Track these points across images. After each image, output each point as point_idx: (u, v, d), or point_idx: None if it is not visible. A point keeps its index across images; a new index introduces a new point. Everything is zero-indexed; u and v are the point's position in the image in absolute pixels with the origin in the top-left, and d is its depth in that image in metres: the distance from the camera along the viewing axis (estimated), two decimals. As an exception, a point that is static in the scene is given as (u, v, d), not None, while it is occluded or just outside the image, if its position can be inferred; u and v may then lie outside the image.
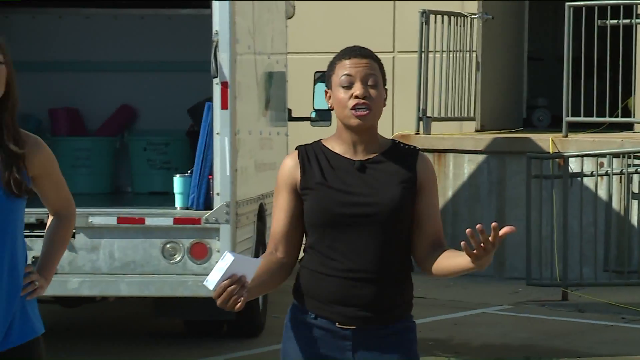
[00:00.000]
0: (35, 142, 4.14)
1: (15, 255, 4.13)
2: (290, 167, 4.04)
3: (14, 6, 11.41)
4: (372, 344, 4.03)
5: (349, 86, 3.96)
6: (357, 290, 3.98)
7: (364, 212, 3.96)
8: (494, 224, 3.65)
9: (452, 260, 3.95)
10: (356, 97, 3.94)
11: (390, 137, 4.16)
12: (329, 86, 4.05)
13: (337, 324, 4.02)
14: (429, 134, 13.61)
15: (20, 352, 4.17)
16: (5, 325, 4.12)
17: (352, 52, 4.04)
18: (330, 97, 4.03)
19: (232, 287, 3.75)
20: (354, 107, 3.93)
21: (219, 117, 8.35)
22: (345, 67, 3.98)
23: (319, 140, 4.11)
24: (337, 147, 4.06)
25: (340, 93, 3.97)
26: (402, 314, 4.07)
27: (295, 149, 4.10)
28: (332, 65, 4.05)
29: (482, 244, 3.66)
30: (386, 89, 4.05)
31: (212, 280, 3.78)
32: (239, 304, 3.79)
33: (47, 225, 4.38)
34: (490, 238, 3.66)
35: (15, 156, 4.06)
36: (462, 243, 3.72)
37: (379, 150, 4.06)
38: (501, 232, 3.67)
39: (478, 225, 3.66)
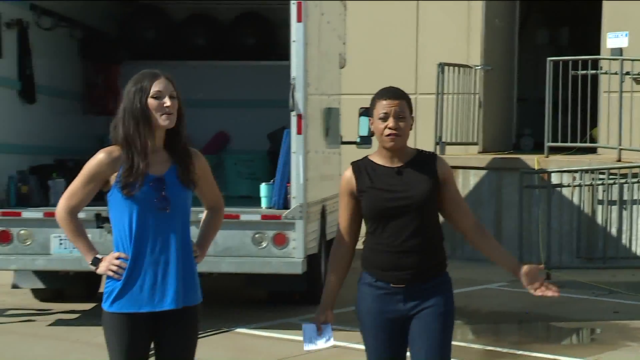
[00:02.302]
0: (196, 153, 4.28)
1: (187, 232, 4.19)
2: (348, 177, 4.28)
3: (139, 59, 11.50)
4: (417, 296, 4.22)
5: (384, 119, 4.17)
6: (403, 259, 4.18)
7: (403, 203, 4.16)
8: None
9: (501, 258, 4.29)
10: (390, 128, 4.16)
11: (416, 148, 4.34)
12: (371, 115, 4.25)
13: (391, 284, 4.22)
14: (444, 154, 13.52)
15: (194, 311, 4.20)
16: (188, 284, 4.15)
17: (388, 94, 4.22)
18: (372, 124, 4.22)
19: None
20: (387, 135, 4.15)
21: (295, 140, 8.35)
22: (383, 106, 4.19)
23: (366, 156, 4.32)
24: (379, 160, 4.26)
25: (379, 124, 4.19)
26: (438, 272, 4.28)
27: (351, 164, 4.33)
28: (374, 101, 4.25)
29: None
30: (413, 117, 4.26)
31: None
32: None
33: (203, 216, 4.45)
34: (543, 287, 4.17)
35: (187, 160, 4.18)
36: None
37: (408, 158, 4.25)
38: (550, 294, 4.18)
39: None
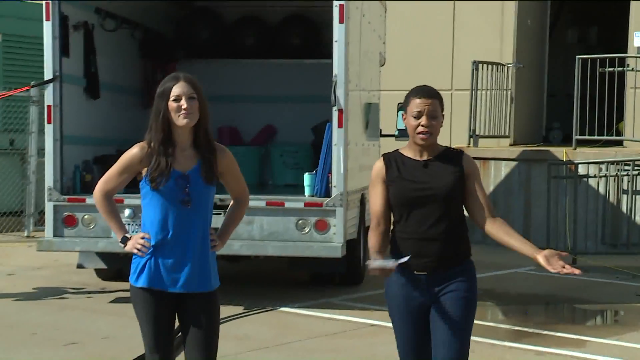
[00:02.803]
0: (222, 149, 4.29)
1: (207, 223, 4.26)
2: (379, 167, 4.24)
3: (194, 58, 11.60)
4: (439, 283, 4.16)
5: (417, 117, 4.11)
6: (425, 247, 4.13)
7: (427, 194, 4.11)
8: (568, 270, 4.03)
9: (516, 243, 4.14)
10: (422, 126, 4.10)
11: (445, 145, 4.28)
12: (404, 111, 4.19)
13: (414, 271, 4.16)
14: (477, 147, 13.50)
15: (210, 295, 4.28)
16: (202, 273, 4.24)
17: (422, 93, 4.14)
18: (405, 119, 4.18)
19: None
20: (419, 133, 4.09)
21: (336, 133, 8.35)
22: (417, 104, 4.12)
23: (397, 150, 4.28)
24: (409, 153, 4.21)
25: (412, 121, 4.13)
26: (459, 261, 4.19)
27: (382, 156, 4.31)
28: (408, 98, 4.19)
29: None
30: (444, 114, 4.21)
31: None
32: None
33: (229, 206, 4.49)
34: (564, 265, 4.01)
35: (208, 158, 4.20)
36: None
37: (436, 154, 4.20)
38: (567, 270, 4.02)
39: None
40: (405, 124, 4.19)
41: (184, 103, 4.08)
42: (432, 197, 4.10)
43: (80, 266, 9.30)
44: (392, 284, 4.22)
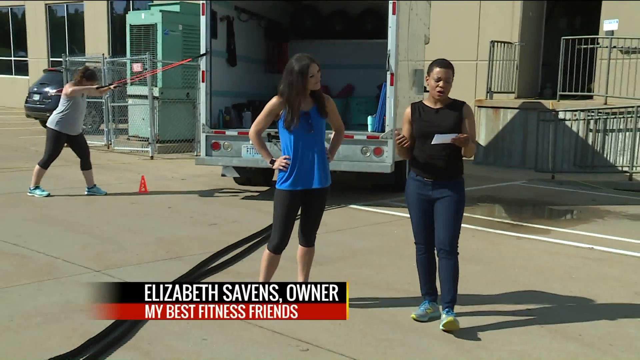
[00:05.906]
0: (328, 97, 4.30)
1: (323, 144, 4.28)
2: (408, 111, 4.20)
3: (300, 39, 11.36)
4: (440, 187, 4.09)
5: (437, 80, 4.01)
6: (432, 164, 4.07)
7: (434, 130, 4.00)
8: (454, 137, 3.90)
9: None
10: (440, 87, 4.01)
11: (453, 98, 4.11)
12: (429, 75, 4.06)
13: (424, 178, 4.11)
14: (492, 99, 12.91)
15: (326, 189, 4.34)
16: (324, 174, 4.27)
17: (442, 64, 4.06)
18: (427, 80, 4.06)
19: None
20: (438, 91, 3.99)
21: (389, 90, 8.09)
22: (437, 72, 4.01)
23: (421, 100, 4.16)
24: (428, 103, 4.11)
25: (432, 82, 4.04)
26: (455, 175, 4.11)
27: (410, 104, 4.19)
28: (432, 66, 4.06)
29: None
30: (453, 78, 4.05)
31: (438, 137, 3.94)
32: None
33: (333, 135, 4.50)
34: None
35: (321, 102, 4.23)
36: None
37: (446, 104, 4.08)
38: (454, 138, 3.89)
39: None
40: (427, 83, 4.06)
41: (318, 77, 4.13)
42: (438, 132, 4.02)
43: (223, 175, 9.37)
44: (410, 185, 4.21)
